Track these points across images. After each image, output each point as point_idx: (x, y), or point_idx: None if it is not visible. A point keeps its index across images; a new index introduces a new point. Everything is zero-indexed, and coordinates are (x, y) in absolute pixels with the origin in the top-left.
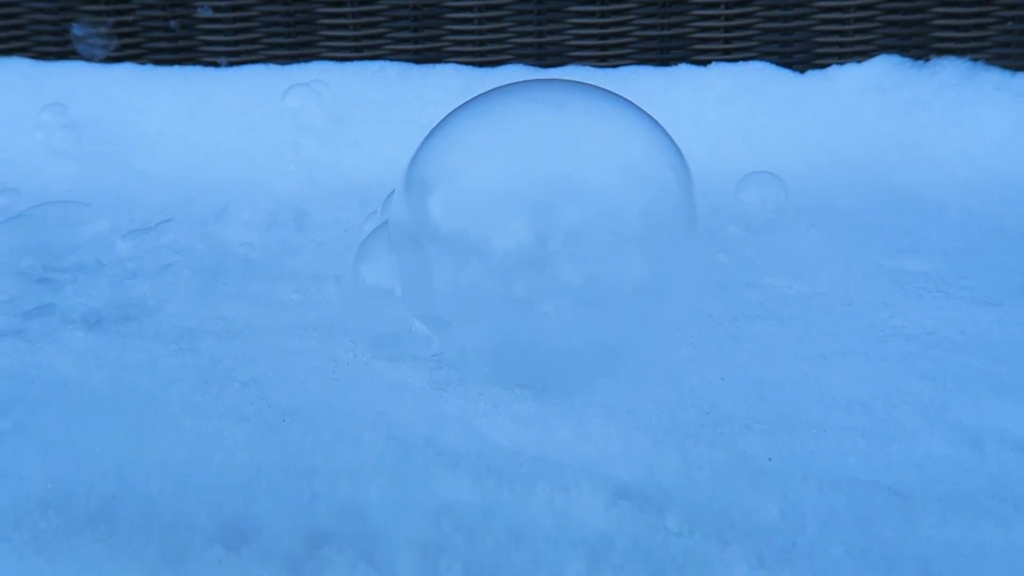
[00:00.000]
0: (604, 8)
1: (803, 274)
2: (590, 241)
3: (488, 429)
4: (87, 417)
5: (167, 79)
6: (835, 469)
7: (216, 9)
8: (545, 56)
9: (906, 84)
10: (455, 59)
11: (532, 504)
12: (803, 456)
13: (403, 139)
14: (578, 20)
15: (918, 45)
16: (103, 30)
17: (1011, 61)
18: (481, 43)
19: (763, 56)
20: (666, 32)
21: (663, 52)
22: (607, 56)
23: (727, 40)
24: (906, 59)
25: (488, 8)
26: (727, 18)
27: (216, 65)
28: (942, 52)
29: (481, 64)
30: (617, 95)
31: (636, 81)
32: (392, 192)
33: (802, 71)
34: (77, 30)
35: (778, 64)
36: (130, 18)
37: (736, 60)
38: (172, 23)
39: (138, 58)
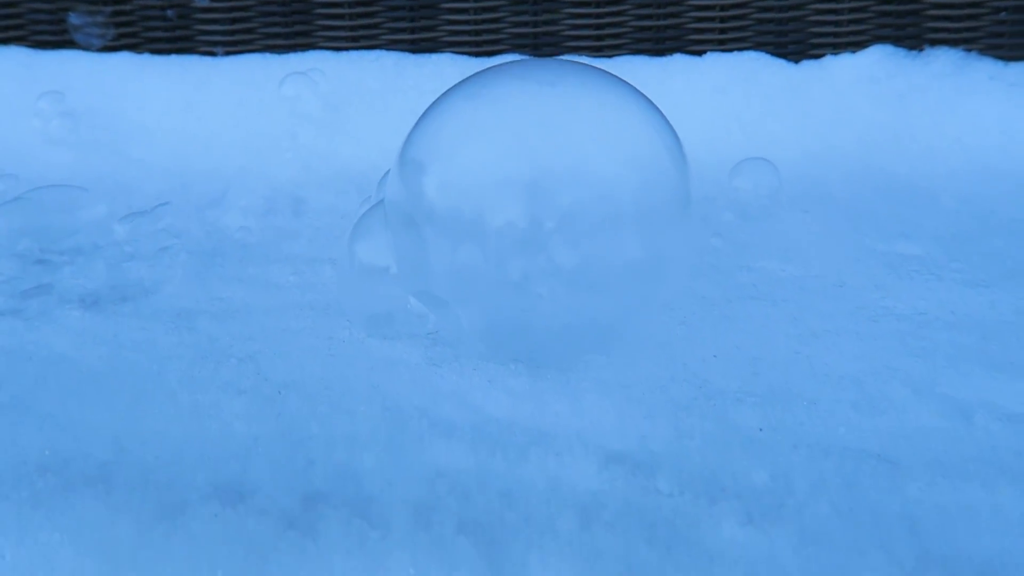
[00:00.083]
0: None
1: (796, 258)
2: (584, 220)
3: (483, 402)
4: (84, 391)
5: (164, 68)
6: (825, 438)
7: None
8: (540, 46)
9: (900, 74)
10: (451, 49)
11: (525, 469)
12: (793, 427)
13: (399, 128)
14: (573, 10)
15: (912, 36)
16: (100, 19)
17: (1004, 51)
18: (477, 33)
19: (758, 46)
20: (661, 23)
21: (658, 43)
22: (602, 46)
23: (722, 31)
24: (900, 49)
25: None
26: (722, 8)
27: (213, 55)
28: (935, 42)
29: (477, 54)
30: (611, 74)
31: (631, 71)
32: (387, 172)
33: (797, 61)
34: (74, 19)
35: (773, 54)
36: (127, 7)
37: (731, 50)
38: (169, 12)
39: (135, 47)
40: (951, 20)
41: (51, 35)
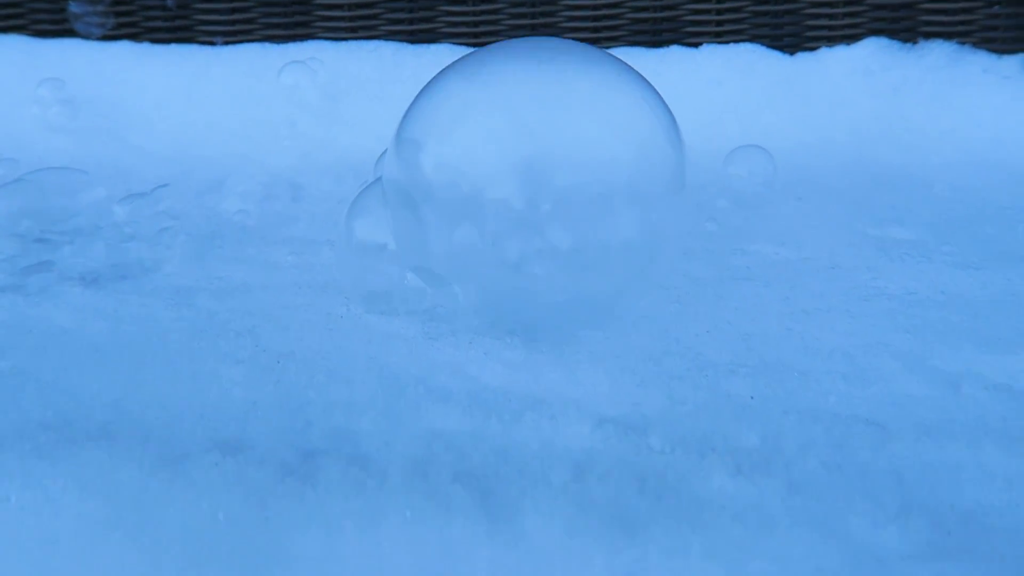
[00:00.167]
0: None
1: (789, 241)
2: (580, 197)
3: (479, 372)
4: (84, 361)
5: (163, 57)
6: (815, 405)
7: None
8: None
9: (894, 66)
10: (449, 40)
11: (519, 430)
12: (784, 396)
13: (397, 117)
14: (571, 1)
15: (906, 29)
16: (100, 8)
17: (997, 45)
18: (475, 24)
19: (754, 39)
20: (658, 15)
21: (655, 34)
22: (599, 38)
23: (719, 23)
24: (894, 42)
25: None
26: (718, 0)
27: (212, 44)
28: (930, 35)
29: (475, 44)
30: (607, 52)
31: (628, 62)
32: (385, 151)
33: (792, 53)
34: (74, 7)
35: (768, 46)
36: None
37: (727, 42)
38: (169, 2)
39: (135, 37)
40: (945, 14)
41: (51, 24)
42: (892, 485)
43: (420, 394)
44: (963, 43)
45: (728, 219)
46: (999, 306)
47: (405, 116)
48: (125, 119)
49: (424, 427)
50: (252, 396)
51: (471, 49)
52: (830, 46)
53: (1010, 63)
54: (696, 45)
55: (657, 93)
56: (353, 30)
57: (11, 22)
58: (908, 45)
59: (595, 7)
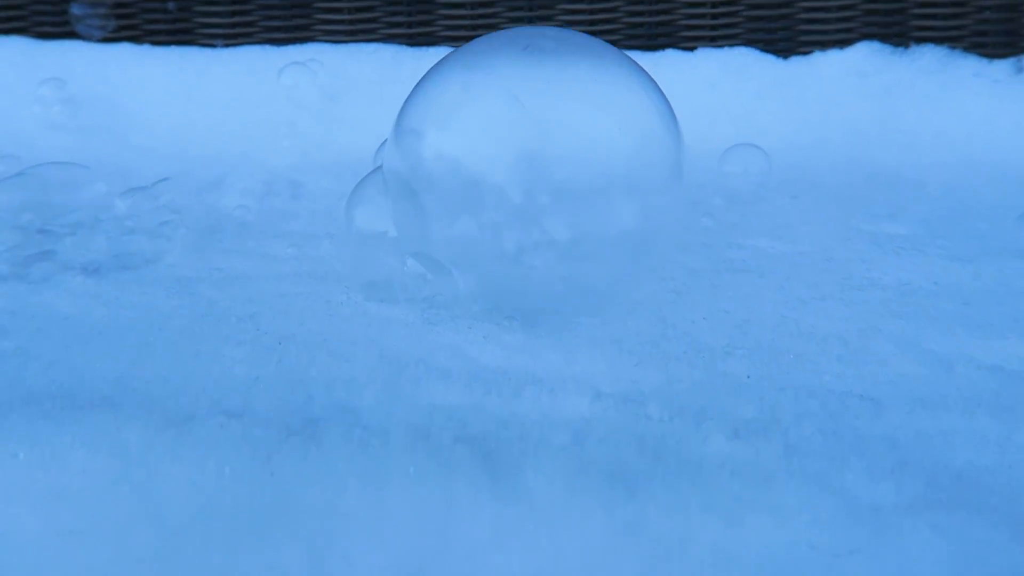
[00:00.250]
0: None
1: (784, 236)
2: (579, 186)
3: (478, 354)
4: (87, 342)
5: (164, 58)
6: (811, 383)
7: None
8: None
9: (886, 70)
10: (447, 43)
11: (519, 403)
12: (780, 375)
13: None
14: (567, 6)
15: (898, 33)
16: (102, 11)
17: (988, 49)
18: (473, 28)
19: (748, 43)
20: (654, 19)
21: (651, 38)
22: None
23: (713, 27)
24: (886, 46)
25: None
26: (713, 5)
27: (213, 47)
28: (921, 40)
29: None
30: (605, 42)
31: None
32: (385, 141)
33: (786, 57)
34: (76, 9)
35: (763, 50)
36: None
37: (722, 46)
38: (170, 5)
39: (135, 39)
40: (936, 18)
41: (53, 27)
42: (887, 448)
43: (420, 372)
44: (954, 47)
45: (724, 215)
46: (991, 295)
47: (405, 105)
48: (125, 118)
49: (425, 400)
50: (254, 372)
51: None
52: (823, 50)
53: (1000, 67)
54: (691, 49)
55: (654, 81)
56: (352, 33)
57: (13, 24)
58: (900, 49)
59: (592, 11)
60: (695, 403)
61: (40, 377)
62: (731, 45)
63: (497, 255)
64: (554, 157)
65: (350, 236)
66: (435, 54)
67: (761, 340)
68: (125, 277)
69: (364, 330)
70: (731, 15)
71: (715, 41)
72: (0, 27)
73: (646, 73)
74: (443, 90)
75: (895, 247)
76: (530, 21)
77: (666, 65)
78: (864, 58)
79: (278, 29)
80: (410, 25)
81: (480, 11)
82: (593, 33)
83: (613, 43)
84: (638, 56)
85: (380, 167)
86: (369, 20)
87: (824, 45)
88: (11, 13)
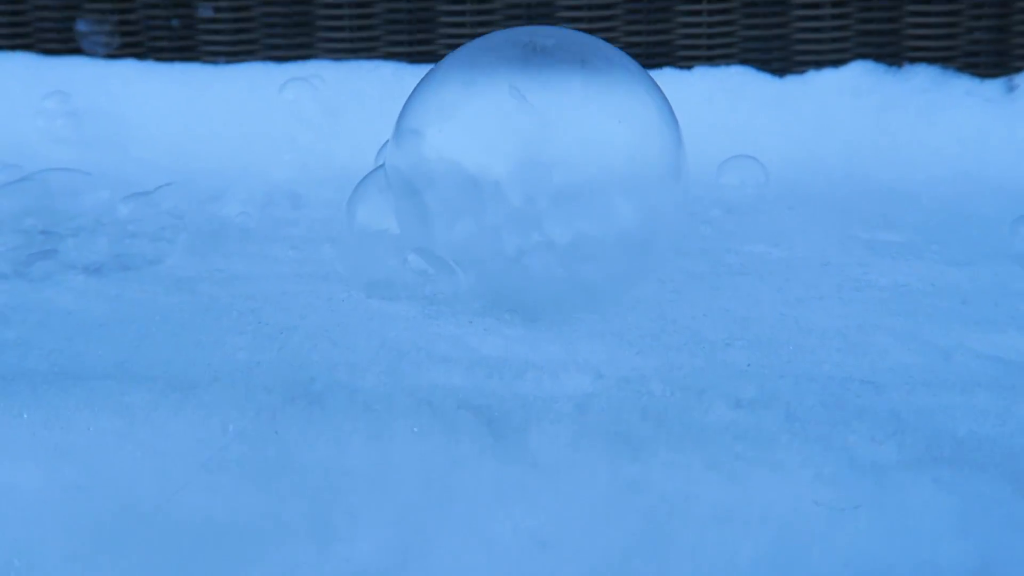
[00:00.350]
0: (591, 14)
1: (782, 242)
2: (578, 183)
3: (479, 344)
4: (88, 333)
5: (167, 73)
6: (810, 371)
7: (217, 9)
8: None
9: (880, 88)
10: None
11: (521, 384)
12: (780, 364)
13: None
14: (566, 26)
15: (891, 53)
16: (107, 27)
17: (979, 69)
18: None
19: (744, 61)
20: (651, 39)
21: (649, 57)
22: None
23: (710, 47)
24: (880, 65)
25: (480, 13)
26: (709, 25)
27: (215, 63)
28: (914, 59)
29: None
30: (604, 41)
31: None
32: (387, 141)
33: (781, 75)
34: (81, 26)
35: (759, 68)
36: (133, 16)
37: (718, 65)
38: (174, 22)
39: (139, 56)
40: (929, 39)
41: (58, 43)
42: (889, 419)
43: (422, 358)
44: (946, 67)
45: (722, 224)
46: (988, 295)
47: (406, 104)
48: (127, 131)
49: (426, 381)
50: (256, 358)
51: None
52: (818, 68)
53: (991, 86)
54: (688, 67)
55: (653, 81)
56: (354, 51)
57: (19, 40)
58: (894, 68)
59: (590, 30)
60: (696, 384)
61: (42, 362)
62: (727, 63)
63: (497, 255)
64: (553, 157)
65: (351, 234)
66: None
67: (761, 334)
68: (126, 276)
69: (365, 323)
70: (727, 34)
71: (711, 60)
72: (6, 43)
73: (644, 70)
74: (444, 89)
75: (891, 252)
76: None
77: (663, 83)
78: (858, 77)
79: (280, 47)
80: (411, 43)
81: (480, 31)
82: None
83: None
84: None
85: (382, 165)
86: (370, 39)
87: (819, 64)
88: (17, 30)
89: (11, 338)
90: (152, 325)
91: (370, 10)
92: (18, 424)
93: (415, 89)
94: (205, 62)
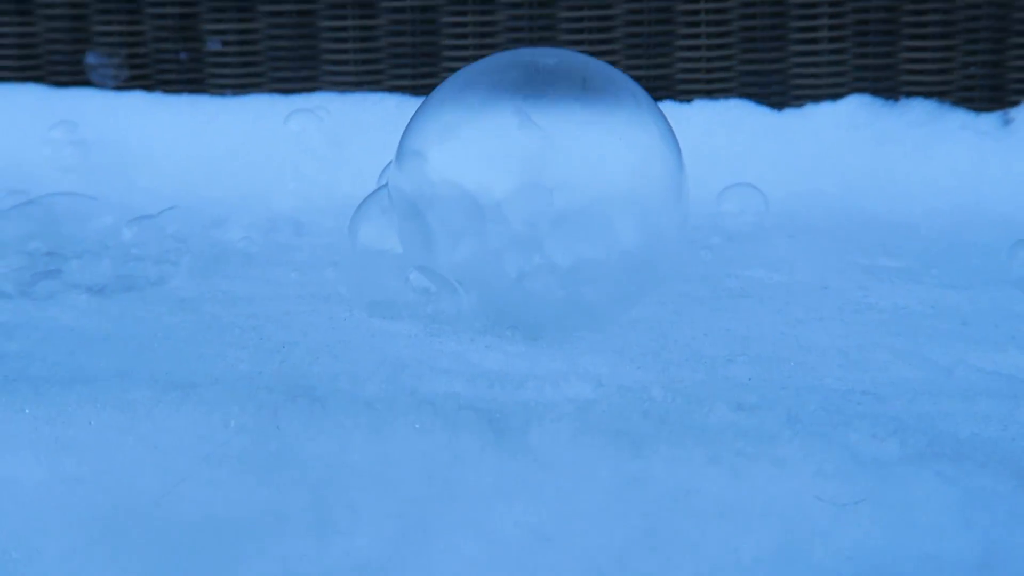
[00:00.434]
0: (592, 49)
1: (781, 268)
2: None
3: (480, 359)
4: (91, 348)
5: (174, 105)
6: (812, 384)
7: (225, 43)
8: None
9: (877, 122)
10: None
11: (523, 392)
12: (782, 378)
13: None
14: None
15: (888, 87)
16: (116, 60)
17: (974, 103)
18: None
19: (743, 95)
20: (651, 72)
21: (648, 91)
22: None
23: (708, 81)
24: (877, 99)
25: (483, 48)
26: (708, 59)
27: (222, 95)
28: (910, 93)
29: None
30: (604, 63)
31: None
32: (390, 163)
33: (779, 108)
34: (91, 59)
35: (757, 102)
36: (143, 50)
37: (717, 98)
38: (182, 55)
39: (148, 88)
40: (925, 73)
41: (68, 75)
42: (888, 419)
43: (423, 371)
44: (942, 101)
45: (722, 251)
46: (988, 316)
47: (409, 125)
48: (134, 160)
49: (429, 391)
50: (257, 369)
51: None
52: (816, 102)
53: (986, 120)
54: (688, 100)
55: (654, 102)
56: (358, 84)
57: (29, 72)
58: (890, 102)
59: None
60: (697, 395)
61: (44, 372)
62: (726, 97)
63: (499, 276)
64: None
65: (354, 254)
66: None
67: (762, 352)
68: (130, 296)
69: (367, 339)
70: (726, 68)
71: (710, 93)
72: (17, 75)
73: (647, 93)
74: (446, 111)
75: (891, 277)
76: None
77: None
78: (856, 110)
79: (286, 80)
80: (414, 76)
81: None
82: None
83: None
84: None
85: (384, 185)
86: (375, 71)
87: (817, 98)
88: (27, 62)
89: (14, 350)
90: (154, 341)
91: (375, 44)
92: (20, 419)
93: (418, 110)
94: (212, 94)
